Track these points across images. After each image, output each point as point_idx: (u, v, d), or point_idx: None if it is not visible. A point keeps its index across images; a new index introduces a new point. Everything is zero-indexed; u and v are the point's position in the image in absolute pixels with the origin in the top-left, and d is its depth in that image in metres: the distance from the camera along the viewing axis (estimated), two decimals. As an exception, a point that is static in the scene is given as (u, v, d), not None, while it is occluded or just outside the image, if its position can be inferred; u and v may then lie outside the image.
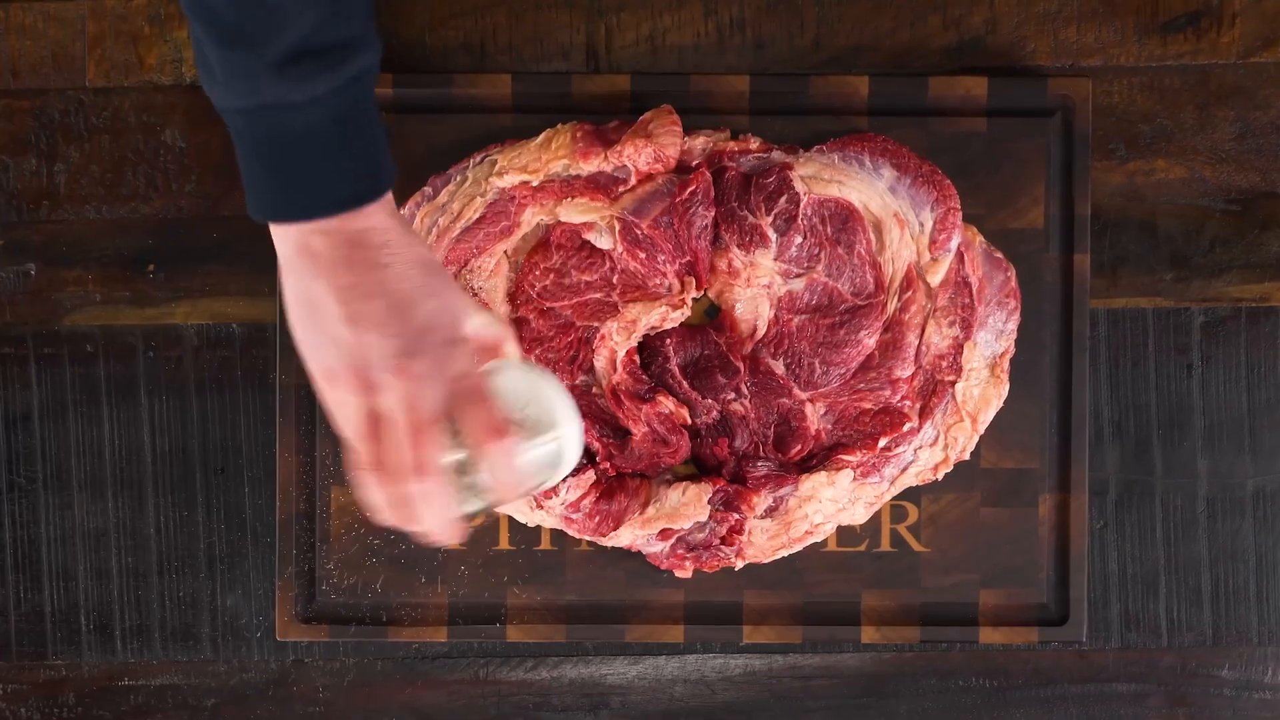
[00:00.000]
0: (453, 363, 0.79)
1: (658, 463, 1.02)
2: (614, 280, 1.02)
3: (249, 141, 0.78)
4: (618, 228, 1.01)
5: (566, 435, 0.85)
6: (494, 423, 0.79)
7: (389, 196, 0.80)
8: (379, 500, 0.78)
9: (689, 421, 1.02)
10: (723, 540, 1.02)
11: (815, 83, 1.03)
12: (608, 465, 1.02)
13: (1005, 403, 1.04)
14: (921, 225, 1.02)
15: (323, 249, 0.78)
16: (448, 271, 0.83)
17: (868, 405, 1.03)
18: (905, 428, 1.02)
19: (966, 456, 1.04)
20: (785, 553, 1.04)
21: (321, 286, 0.78)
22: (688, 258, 1.02)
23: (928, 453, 1.04)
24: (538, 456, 0.85)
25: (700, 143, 1.02)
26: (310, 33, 0.75)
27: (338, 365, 0.78)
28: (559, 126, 1.02)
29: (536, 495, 0.99)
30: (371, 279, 0.78)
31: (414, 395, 0.77)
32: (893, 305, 1.03)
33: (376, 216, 0.79)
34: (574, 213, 1.01)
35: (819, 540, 1.05)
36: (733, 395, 1.03)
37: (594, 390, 1.03)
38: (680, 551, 1.03)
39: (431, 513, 0.78)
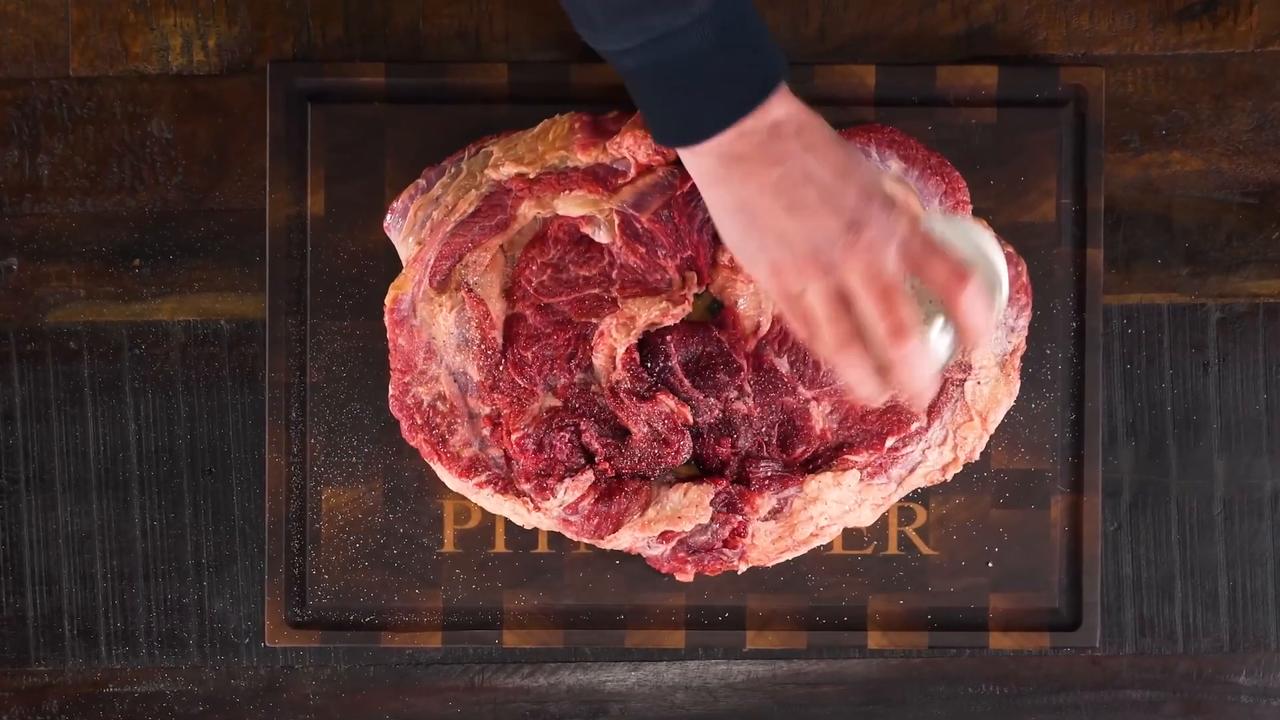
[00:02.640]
0: (898, 224, 0.83)
1: (658, 463, 1.02)
2: (613, 275, 1.02)
3: (646, 77, 0.83)
4: (617, 221, 1.00)
5: (1001, 270, 0.89)
6: (957, 269, 0.83)
7: (786, 88, 0.84)
8: (860, 374, 0.83)
9: (690, 421, 1.02)
10: (725, 543, 1.02)
11: (820, 72, 1.03)
12: (607, 466, 1.01)
13: (1016, 401, 1.04)
14: None
15: (745, 151, 0.82)
16: (847, 142, 0.87)
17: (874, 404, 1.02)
18: (913, 427, 1.02)
19: (976, 457, 1.04)
20: (789, 556, 1.03)
21: (753, 187, 0.83)
22: (689, 252, 1.02)
23: (936, 453, 1.03)
24: (983, 291, 0.88)
25: (702, 134, 1.01)
26: None
27: (788, 259, 0.83)
28: (556, 117, 1.02)
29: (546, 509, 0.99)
30: (799, 166, 0.82)
31: (874, 264, 0.82)
32: (900, 301, 1.01)
33: (782, 106, 0.83)
34: (572, 206, 1.00)
35: (824, 543, 1.04)
36: (735, 394, 1.02)
37: (592, 389, 1.02)
38: (681, 554, 1.02)
39: (916, 371, 0.82)
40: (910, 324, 0.82)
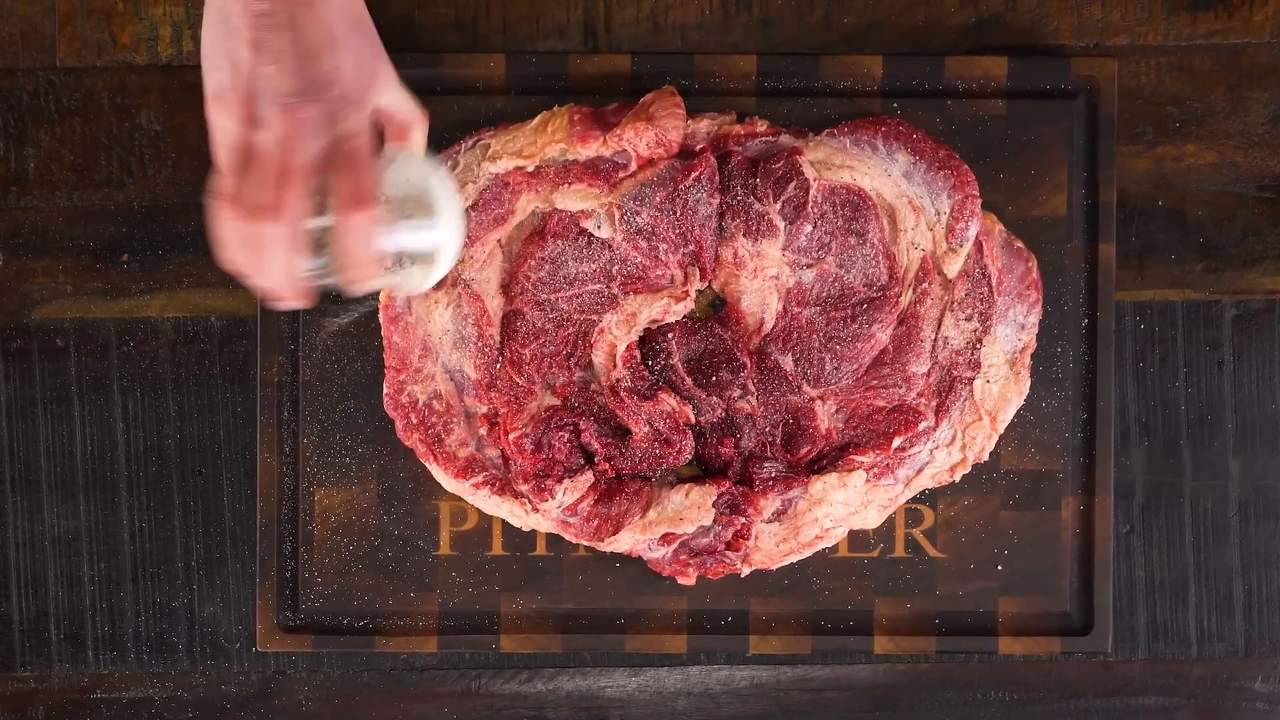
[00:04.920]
0: (344, 121, 0.81)
1: (659, 464, 1.01)
2: (613, 271, 1.01)
3: None
4: (617, 216, 1.00)
5: (442, 233, 0.86)
6: (363, 191, 0.80)
7: None
8: (229, 235, 0.80)
9: (692, 420, 1.01)
10: (728, 545, 1.01)
11: (826, 63, 1.02)
12: (607, 466, 1.01)
13: (1026, 400, 1.03)
14: (938, 213, 1.01)
15: None
16: (376, 37, 0.84)
17: (881, 403, 1.02)
18: (921, 427, 1.01)
19: (985, 457, 1.03)
20: (794, 558, 1.03)
21: (239, 5, 0.79)
22: (691, 247, 1.01)
23: (944, 453, 1.03)
24: (405, 243, 0.86)
25: (704, 126, 1.02)
26: None
27: (228, 88, 0.79)
28: (555, 109, 1.01)
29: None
30: (289, 11, 0.79)
31: (293, 138, 0.79)
32: (907, 297, 1.02)
33: None
34: (571, 200, 1.00)
35: (829, 545, 1.03)
36: (738, 392, 1.02)
37: (592, 387, 1.02)
38: (683, 557, 1.02)
39: (276, 262, 0.79)
40: (282, 210, 0.78)
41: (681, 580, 1.02)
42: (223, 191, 0.80)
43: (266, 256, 0.79)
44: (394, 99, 0.86)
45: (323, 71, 0.79)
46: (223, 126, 0.80)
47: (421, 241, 0.86)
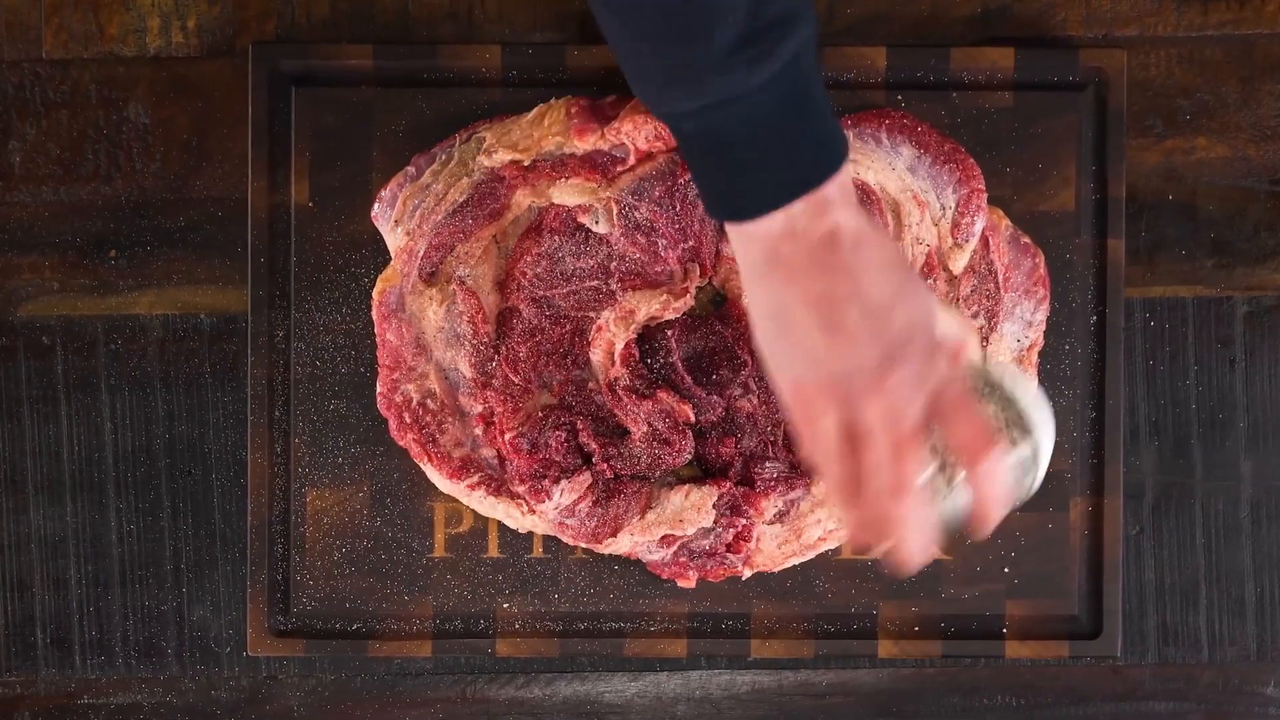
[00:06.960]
0: (934, 371, 0.78)
1: (659, 464, 1.00)
2: (611, 267, 1.00)
3: (700, 143, 0.79)
4: (615, 210, 0.99)
5: (1043, 439, 0.84)
6: (983, 434, 0.78)
7: (851, 190, 0.79)
8: (853, 522, 0.78)
9: (692, 419, 1.00)
10: (729, 547, 1.01)
11: (829, 54, 1.02)
12: (605, 467, 1.00)
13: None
14: (943, 208, 1.01)
15: (793, 254, 0.78)
16: (915, 272, 0.81)
17: (885, 402, 1.00)
18: None
19: None
20: (796, 560, 1.02)
21: (794, 295, 0.78)
22: (691, 243, 1.00)
23: None
24: (1013, 464, 0.84)
25: (705, 119, 0.99)
26: (748, 16, 0.75)
27: (811, 380, 0.78)
28: (552, 102, 1.01)
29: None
30: (846, 284, 0.77)
31: (896, 409, 0.77)
32: (912, 294, 1.00)
33: (843, 213, 0.78)
34: (568, 194, 0.99)
35: (832, 547, 1.03)
36: (740, 391, 1.01)
37: (590, 386, 1.01)
38: (683, 559, 1.01)
39: (910, 533, 0.77)
40: (905, 485, 0.77)
41: (681, 583, 1.02)
42: (839, 485, 0.78)
43: (902, 531, 0.77)
44: (943, 324, 0.82)
45: (897, 330, 0.77)
46: (812, 417, 0.79)
47: (1025, 451, 0.84)
